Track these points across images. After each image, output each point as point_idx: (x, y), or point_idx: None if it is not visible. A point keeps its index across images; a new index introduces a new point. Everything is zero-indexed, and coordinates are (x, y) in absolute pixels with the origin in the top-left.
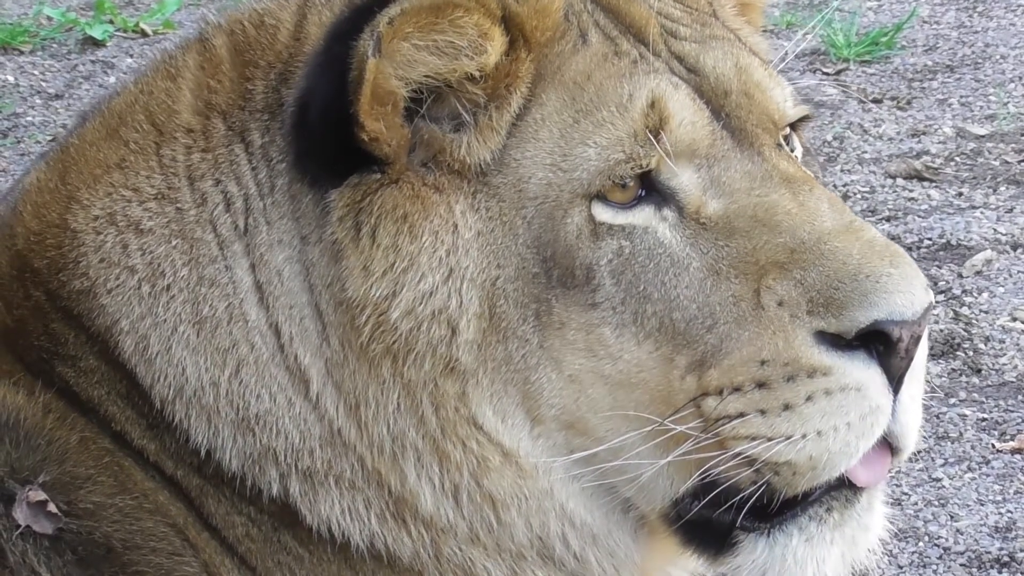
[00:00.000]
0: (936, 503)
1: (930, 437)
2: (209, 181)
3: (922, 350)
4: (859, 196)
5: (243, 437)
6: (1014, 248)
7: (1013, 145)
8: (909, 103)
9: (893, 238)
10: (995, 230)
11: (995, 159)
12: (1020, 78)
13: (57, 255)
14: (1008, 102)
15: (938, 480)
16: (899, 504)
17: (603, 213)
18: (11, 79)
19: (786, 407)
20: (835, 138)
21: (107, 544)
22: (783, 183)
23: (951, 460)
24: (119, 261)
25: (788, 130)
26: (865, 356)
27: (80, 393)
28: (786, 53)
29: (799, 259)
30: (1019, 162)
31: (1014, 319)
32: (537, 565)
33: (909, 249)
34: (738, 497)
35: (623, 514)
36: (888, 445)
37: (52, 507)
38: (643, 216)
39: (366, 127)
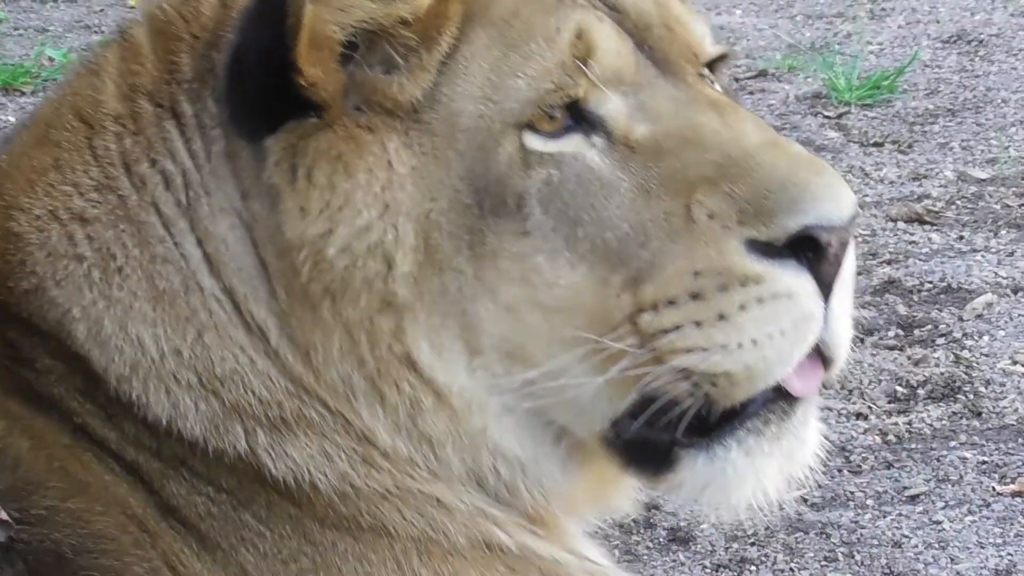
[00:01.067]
0: (936, 546)
1: (930, 480)
2: (145, 163)
3: (850, 259)
4: (860, 239)
5: (205, 402)
6: (1015, 292)
7: (1014, 189)
8: (910, 147)
9: (893, 281)
10: (996, 274)
11: (996, 203)
12: (1021, 122)
13: (2, 263)
14: (1009, 146)
15: (938, 523)
16: (899, 546)
17: (533, 142)
18: (12, 119)
19: (721, 317)
20: None
21: (57, 551)
22: (708, 106)
23: (951, 503)
24: (66, 252)
25: (707, 70)
26: (795, 264)
27: (41, 392)
28: (787, 95)
29: (727, 173)
30: (1020, 206)
31: (1015, 362)
32: (487, 499)
33: (909, 292)
34: (677, 411)
35: (553, 445)
36: (820, 357)
37: (4, 515)
38: (572, 144)
39: (304, 73)
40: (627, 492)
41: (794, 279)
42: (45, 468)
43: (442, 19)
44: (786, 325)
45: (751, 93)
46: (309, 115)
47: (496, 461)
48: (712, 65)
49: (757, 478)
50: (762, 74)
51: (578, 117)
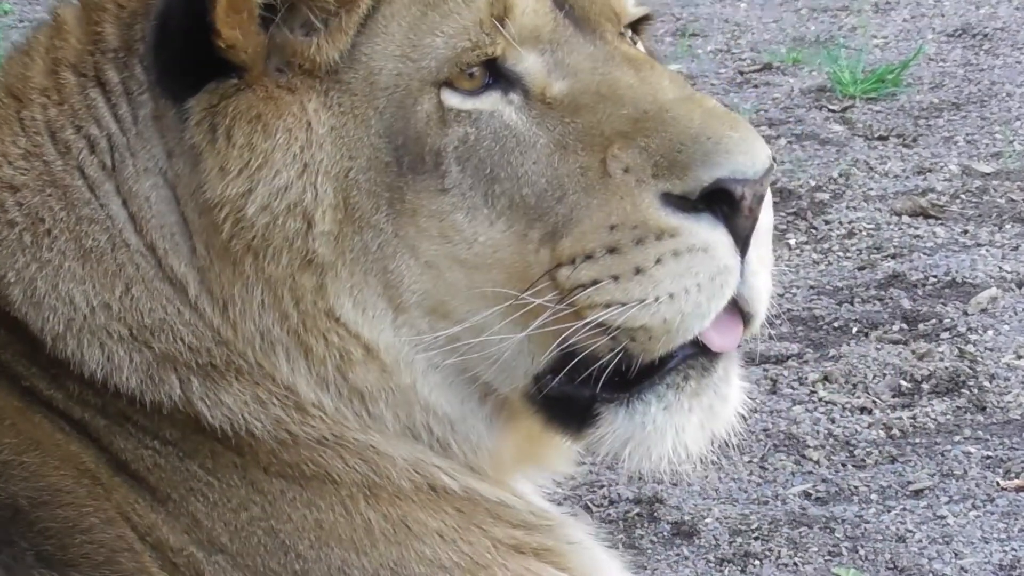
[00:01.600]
0: (940, 540)
1: (935, 474)
2: (69, 130)
3: (766, 214)
4: (864, 233)
5: (138, 353)
6: (1019, 286)
7: (1019, 183)
8: (915, 140)
9: (898, 275)
10: (1000, 268)
11: (1001, 197)
12: None
13: None
14: (1014, 140)
15: (942, 518)
16: (903, 541)
17: (451, 99)
18: None
19: (637, 271)
20: (841, 175)
21: (14, 504)
22: (625, 62)
23: (956, 498)
24: None
25: (629, 32)
26: (711, 217)
27: None
28: (792, 89)
29: (642, 127)
30: None
31: (1019, 357)
32: (425, 449)
33: (914, 286)
34: (596, 366)
35: (479, 403)
36: (740, 313)
37: None
38: (490, 101)
39: (223, 35)
40: (558, 452)
41: (709, 232)
42: None
43: None
44: (702, 279)
45: (755, 86)
46: (230, 76)
47: (428, 418)
48: (637, 26)
49: (677, 433)
50: (767, 67)
51: (496, 75)
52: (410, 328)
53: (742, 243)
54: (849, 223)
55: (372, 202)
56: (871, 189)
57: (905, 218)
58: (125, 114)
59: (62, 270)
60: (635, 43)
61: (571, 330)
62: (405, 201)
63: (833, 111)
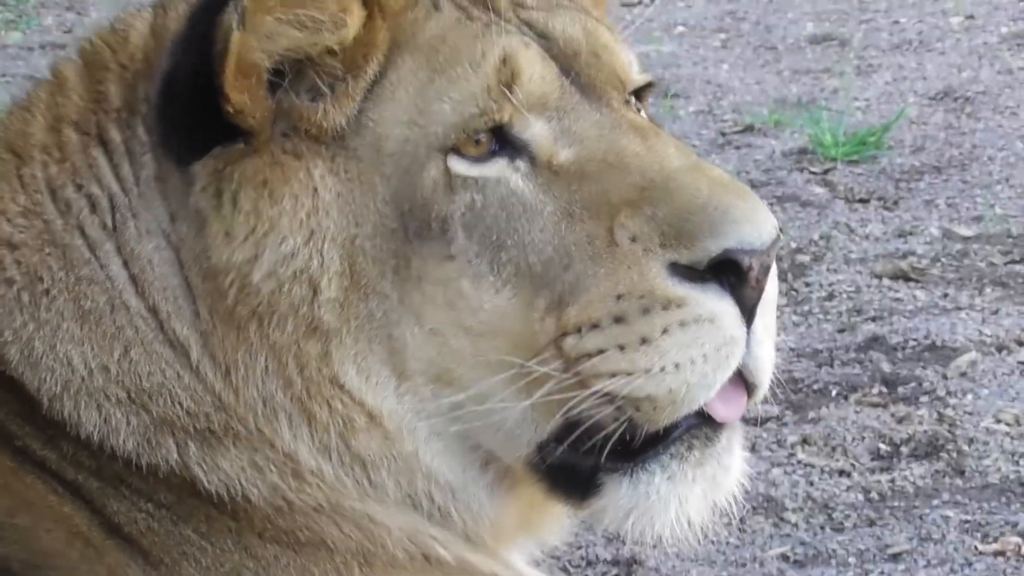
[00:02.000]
0: None
1: (913, 538)
2: (70, 188)
3: (772, 283)
4: (845, 296)
5: (136, 416)
6: (999, 350)
7: (999, 247)
8: (896, 203)
9: (878, 338)
10: (980, 332)
11: (981, 260)
12: (1007, 180)
13: None
14: (995, 204)
15: None
16: None
17: (458, 165)
18: None
19: (644, 340)
20: (821, 237)
21: (6, 567)
22: (631, 130)
23: (933, 561)
24: None
25: (633, 99)
26: (718, 287)
27: None
28: (773, 151)
29: (649, 196)
30: (1005, 264)
31: (998, 421)
32: (422, 519)
33: (894, 349)
34: (601, 436)
35: (481, 471)
36: (744, 383)
37: None
38: (496, 168)
39: (231, 99)
40: (557, 521)
41: (716, 303)
42: None
43: (369, 47)
44: (708, 349)
45: (737, 148)
46: (237, 141)
47: (430, 485)
48: (639, 93)
49: (680, 504)
50: (748, 129)
51: (503, 141)
52: (413, 395)
53: (748, 313)
54: (829, 285)
55: (378, 269)
56: (852, 252)
57: (885, 281)
58: (127, 174)
59: (60, 331)
60: (639, 110)
61: (576, 399)
62: (411, 267)
63: (814, 173)
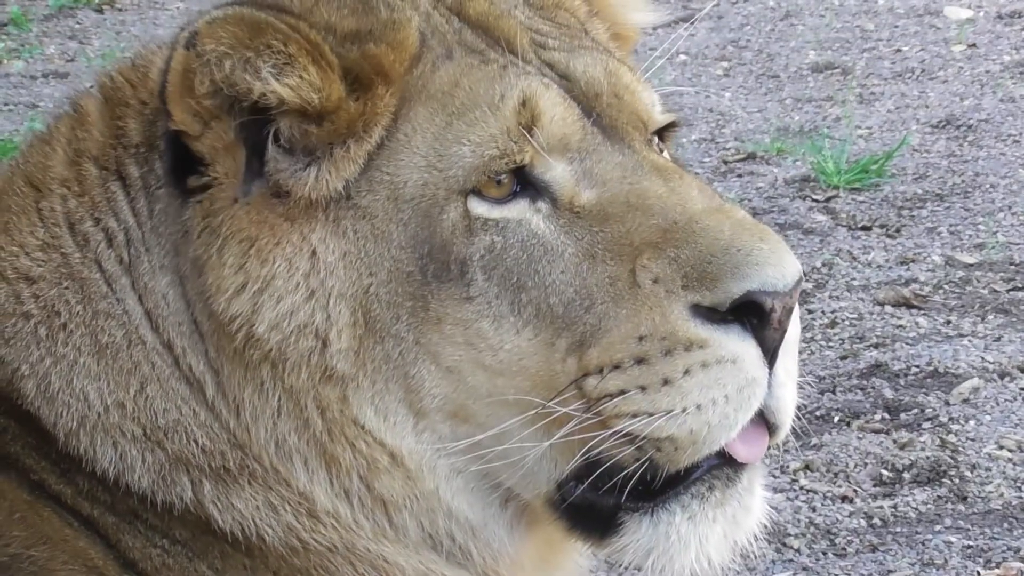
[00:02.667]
0: None
1: (915, 564)
2: (88, 222)
3: (794, 325)
4: (847, 323)
5: (151, 453)
6: (1001, 377)
7: (1002, 274)
8: (898, 231)
9: (880, 365)
10: (983, 358)
11: (983, 288)
12: (1009, 207)
13: None
14: (997, 231)
15: None
16: None
17: (478, 207)
18: None
19: (665, 382)
20: (824, 264)
21: None
22: (653, 171)
23: None
24: (14, 311)
25: (656, 138)
26: (740, 329)
27: None
28: (776, 179)
29: (672, 238)
30: (1007, 291)
31: (1001, 447)
32: (441, 561)
33: (896, 376)
34: (621, 475)
35: (501, 508)
36: (766, 423)
37: None
38: (517, 210)
39: (173, 116)
40: (573, 558)
41: (738, 344)
42: (6, 518)
43: (369, 116)
44: (730, 390)
45: (739, 176)
46: (199, 171)
47: (451, 524)
48: (663, 133)
49: (701, 543)
50: (751, 157)
51: (524, 183)
52: (432, 433)
53: (770, 355)
54: (832, 312)
55: (392, 312)
56: (854, 279)
57: (888, 308)
58: (142, 208)
59: (77, 366)
60: (661, 151)
61: (596, 439)
62: (429, 309)
63: (817, 201)
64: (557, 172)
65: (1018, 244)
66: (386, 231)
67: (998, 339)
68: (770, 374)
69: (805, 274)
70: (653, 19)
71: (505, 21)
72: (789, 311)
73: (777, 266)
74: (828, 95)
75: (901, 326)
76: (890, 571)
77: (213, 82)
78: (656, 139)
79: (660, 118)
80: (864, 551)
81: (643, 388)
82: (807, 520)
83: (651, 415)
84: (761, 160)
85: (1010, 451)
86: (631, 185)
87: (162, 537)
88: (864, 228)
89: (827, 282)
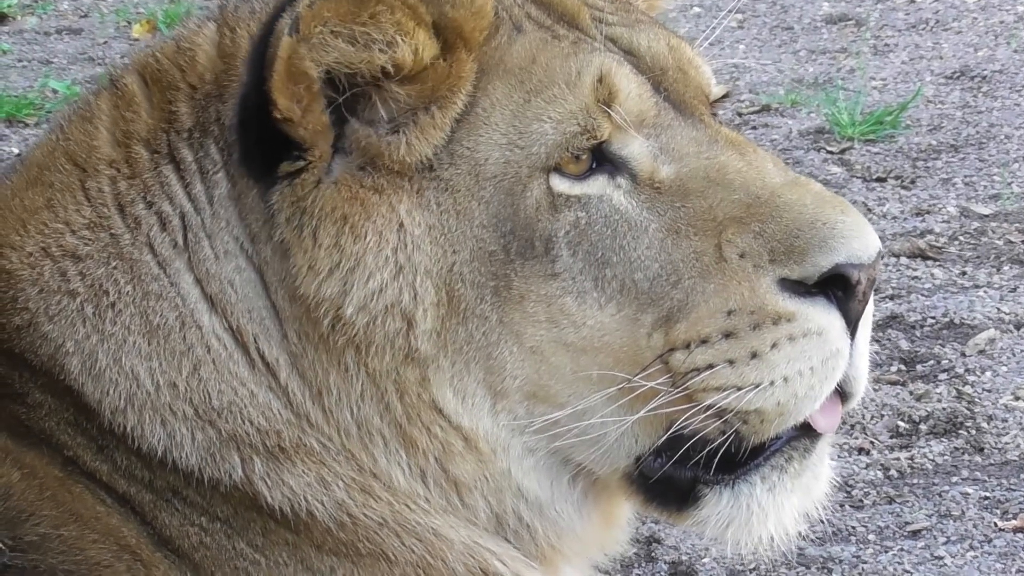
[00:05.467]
0: None
1: (932, 515)
2: (140, 205)
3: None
4: None
5: (202, 431)
6: (1017, 327)
7: (1017, 225)
8: (913, 182)
9: (896, 316)
10: (999, 309)
11: (999, 238)
12: None
13: None
14: (1012, 182)
15: (940, 558)
16: None
17: (560, 184)
18: (16, 151)
19: (754, 355)
20: None
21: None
22: (728, 145)
23: (953, 538)
24: (59, 288)
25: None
26: (825, 301)
27: (32, 427)
28: (790, 130)
29: (756, 212)
30: (1023, 241)
31: (1017, 398)
32: (489, 535)
33: (912, 327)
34: (705, 450)
35: (570, 486)
36: (838, 392)
37: None
38: (598, 186)
39: (279, 104)
40: (624, 534)
41: (824, 317)
42: (36, 497)
43: (455, 79)
44: (815, 362)
45: (754, 128)
46: (295, 156)
47: (518, 503)
48: (715, 104)
49: (778, 514)
50: (765, 109)
51: (601, 159)
52: (508, 413)
53: (852, 325)
54: None
55: (476, 292)
56: None
57: (903, 259)
58: (199, 193)
59: (126, 344)
60: (720, 122)
61: (684, 414)
62: (512, 288)
63: (831, 153)
64: (635, 148)
65: None
66: (468, 208)
67: (1014, 290)
68: (851, 344)
69: None
70: None
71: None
72: (872, 282)
73: (861, 238)
74: (842, 47)
75: (916, 277)
76: (907, 523)
77: (325, 63)
78: (717, 114)
79: (716, 90)
80: (881, 503)
81: (731, 362)
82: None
83: (740, 389)
84: (775, 112)
85: None
86: (708, 160)
87: (201, 515)
88: (879, 179)
89: None
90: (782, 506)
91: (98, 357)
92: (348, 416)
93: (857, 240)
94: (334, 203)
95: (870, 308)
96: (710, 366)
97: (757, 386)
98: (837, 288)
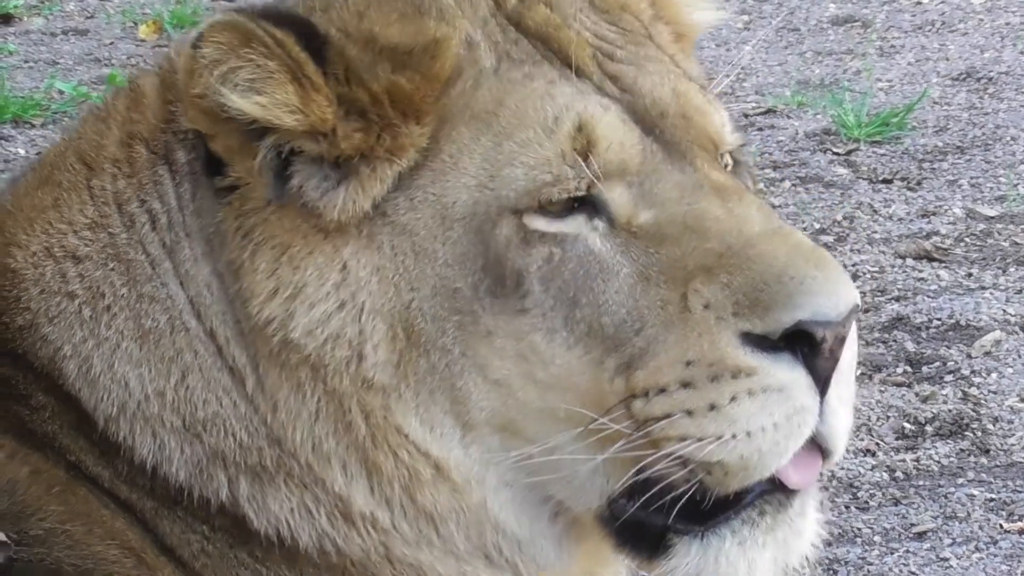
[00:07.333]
0: None
1: (938, 517)
2: (135, 203)
3: (849, 351)
4: (868, 276)
5: (189, 446)
6: (1023, 329)
7: (1023, 226)
8: (919, 184)
9: (902, 318)
10: (1004, 311)
11: (1005, 240)
12: None
13: None
14: (1018, 183)
15: (945, 560)
16: None
17: (536, 221)
18: (22, 152)
19: (712, 407)
20: (845, 218)
21: (59, 570)
22: (713, 192)
23: (959, 540)
24: (59, 289)
25: (727, 156)
26: (790, 357)
27: (35, 430)
28: (796, 132)
29: (726, 263)
30: None
31: (1023, 400)
32: (482, 566)
33: (918, 329)
34: (671, 495)
35: (550, 523)
36: (818, 448)
37: (2, 536)
38: (575, 225)
39: (186, 114)
40: (615, 573)
41: (787, 373)
42: (43, 492)
43: (396, 147)
44: (779, 418)
45: (760, 129)
46: (224, 172)
47: (498, 537)
48: (732, 153)
49: (750, 567)
50: (771, 110)
51: (582, 199)
52: (480, 445)
53: (822, 383)
54: (853, 266)
55: (437, 326)
56: (875, 232)
57: (909, 261)
58: (185, 193)
59: (119, 350)
60: (726, 167)
61: (647, 459)
62: (479, 323)
63: (838, 154)
64: (615, 194)
65: None
66: (430, 248)
67: (1020, 291)
68: (822, 402)
69: (825, 228)
70: (716, 18)
71: (564, 32)
72: (842, 340)
73: (831, 295)
74: (848, 48)
75: (922, 279)
76: (912, 524)
77: (207, 86)
78: (727, 156)
79: (731, 139)
80: (886, 504)
81: (690, 412)
82: (829, 473)
83: (700, 440)
84: (782, 114)
85: None
86: (689, 206)
87: (202, 523)
88: (885, 181)
89: (848, 235)
90: (754, 561)
91: (93, 362)
92: (301, 434)
93: (824, 297)
94: (273, 230)
95: (847, 363)
96: (668, 415)
97: (718, 438)
98: (804, 344)
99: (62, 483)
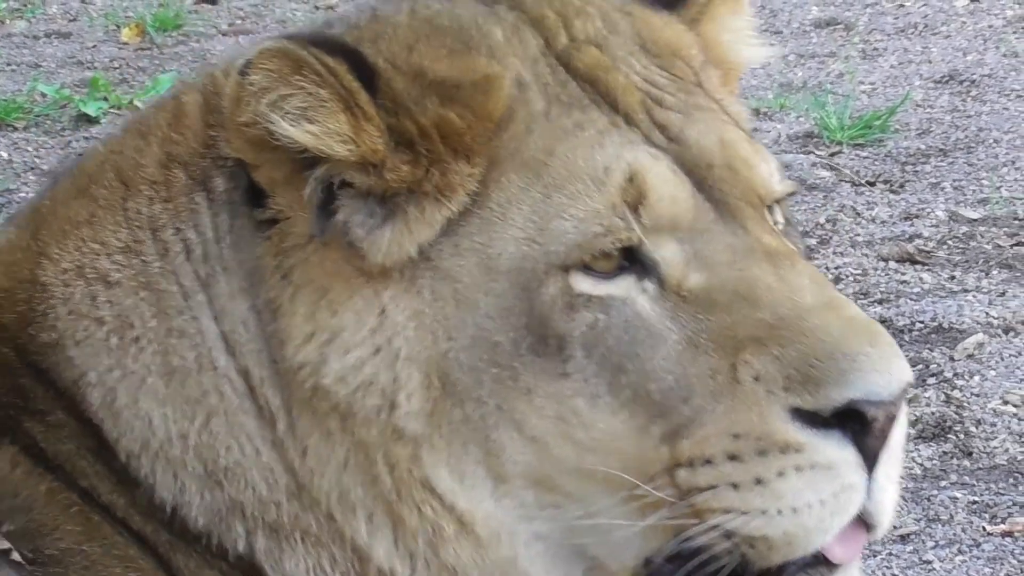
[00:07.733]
0: None
1: (921, 519)
2: (170, 230)
3: (899, 428)
4: (851, 279)
5: (210, 492)
6: (1006, 332)
7: (1005, 229)
8: (902, 186)
9: (884, 320)
10: (987, 314)
11: (987, 243)
12: (1013, 162)
13: (27, 309)
14: (1001, 186)
15: (928, 563)
16: None
17: (582, 283)
18: (5, 155)
19: (758, 481)
20: (828, 220)
21: None
22: (765, 257)
23: (942, 543)
24: (87, 313)
25: (775, 206)
26: (840, 435)
27: (47, 449)
28: (779, 135)
29: (778, 335)
30: (1011, 246)
31: (1006, 403)
32: None
33: (901, 332)
34: (712, 567)
35: None
36: (863, 522)
37: (16, 555)
38: (623, 287)
39: (230, 140)
40: None
41: (836, 451)
42: (61, 512)
43: (445, 186)
44: (826, 495)
45: None
46: (265, 205)
47: None
48: (780, 202)
49: None
50: (754, 113)
51: (632, 259)
52: (513, 499)
53: (871, 460)
54: (836, 269)
55: (474, 377)
56: (858, 235)
57: (892, 264)
58: (223, 223)
59: (145, 385)
60: (776, 221)
61: (691, 529)
62: (518, 380)
63: (820, 157)
64: (666, 252)
65: (1022, 199)
66: (472, 298)
67: (1002, 294)
68: (870, 479)
69: (808, 230)
70: (766, 54)
71: (614, 76)
72: (892, 419)
73: (883, 374)
74: (831, 51)
75: (905, 282)
76: (895, 527)
77: (255, 113)
78: (777, 213)
79: (779, 188)
80: None
81: (735, 486)
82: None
83: (745, 513)
84: (764, 116)
85: (1015, 406)
86: (741, 272)
87: (219, 560)
88: (868, 184)
89: (831, 238)
90: None
91: (118, 395)
92: (328, 482)
93: (877, 374)
94: (315, 273)
95: (896, 441)
96: (712, 487)
97: (763, 513)
98: (855, 422)
99: (76, 507)
